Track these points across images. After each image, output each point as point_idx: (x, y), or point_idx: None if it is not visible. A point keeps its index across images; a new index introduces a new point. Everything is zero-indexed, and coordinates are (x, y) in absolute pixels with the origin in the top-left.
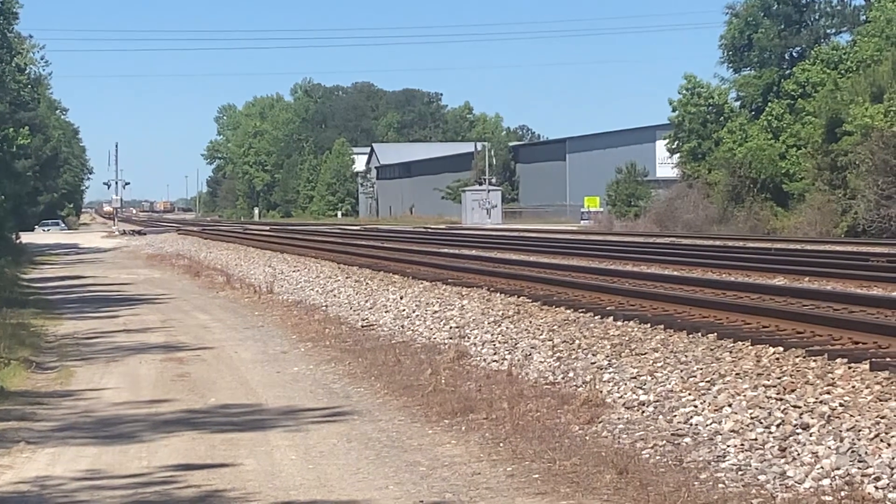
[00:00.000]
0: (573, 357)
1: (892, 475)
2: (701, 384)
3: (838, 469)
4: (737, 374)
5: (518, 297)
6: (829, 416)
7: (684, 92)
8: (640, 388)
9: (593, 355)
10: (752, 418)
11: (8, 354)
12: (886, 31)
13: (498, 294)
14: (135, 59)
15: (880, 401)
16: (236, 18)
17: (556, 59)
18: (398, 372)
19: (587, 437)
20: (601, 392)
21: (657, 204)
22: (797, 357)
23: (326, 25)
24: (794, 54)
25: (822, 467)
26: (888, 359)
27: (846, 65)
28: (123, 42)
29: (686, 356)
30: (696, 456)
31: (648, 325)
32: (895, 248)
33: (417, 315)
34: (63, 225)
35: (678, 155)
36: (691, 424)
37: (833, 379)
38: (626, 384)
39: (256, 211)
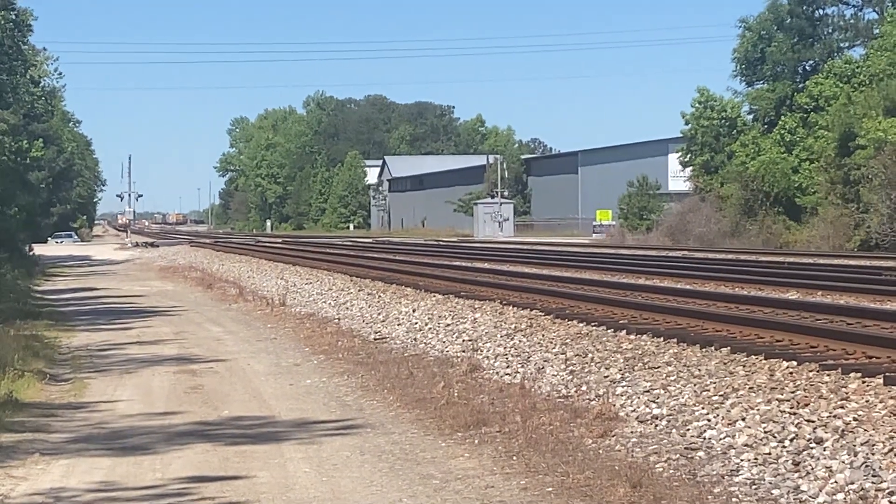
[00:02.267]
0: (586, 370)
1: None
2: (714, 398)
3: (852, 484)
4: (750, 388)
5: (531, 310)
6: (842, 431)
7: (697, 105)
8: (654, 401)
9: (606, 369)
10: (765, 432)
11: (22, 366)
12: None
13: (510, 307)
14: (148, 71)
15: (894, 415)
16: (249, 32)
17: (569, 72)
18: (411, 385)
19: (600, 451)
20: (614, 405)
21: (669, 217)
22: (811, 371)
23: (339, 38)
24: (808, 68)
25: (836, 482)
26: None
27: (859, 78)
28: (136, 55)
29: (699, 370)
30: (710, 470)
31: (661, 338)
32: None
33: (430, 328)
34: (76, 237)
35: (691, 168)
36: (705, 438)
37: (847, 393)
38: (639, 398)
39: (269, 223)
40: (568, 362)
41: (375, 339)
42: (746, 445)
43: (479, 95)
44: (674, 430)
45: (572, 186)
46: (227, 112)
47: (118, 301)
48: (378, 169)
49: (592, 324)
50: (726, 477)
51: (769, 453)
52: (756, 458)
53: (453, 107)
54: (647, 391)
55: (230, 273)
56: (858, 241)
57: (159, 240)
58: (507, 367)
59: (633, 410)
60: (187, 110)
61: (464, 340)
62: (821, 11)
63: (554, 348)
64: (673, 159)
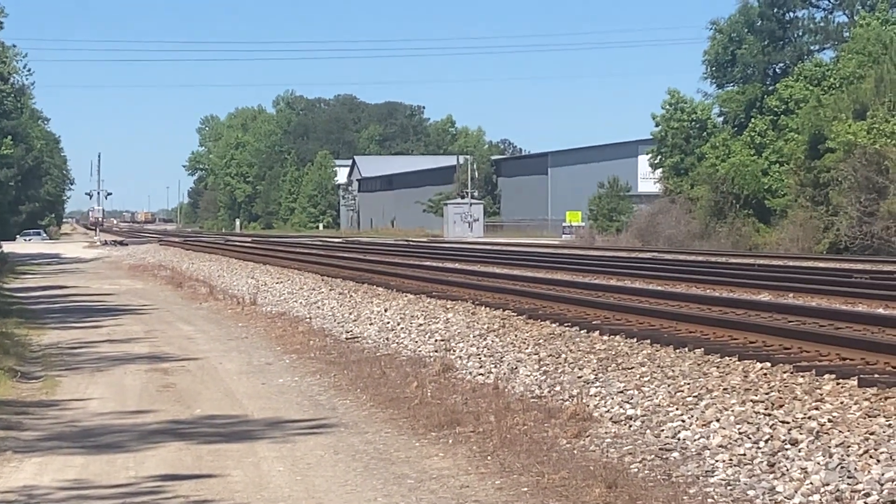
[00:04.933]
0: (559, 371)
1: (882, 491)
2: (688, 399)
3: (828, 485)
4: (724, 389)
5: (503, 310)
6: (817, 432)
7: (667, 107)
8: (628, 402)
9: (580, 369)
10: (740, 433)
11: None
12: (869, 48)
13: (483, 307)
14: (117, 69)
15: (869, 417)
16: (219, 30)
17: (539, 73)
18: (384, 384)
19: (575, 451)
20: (588, 406)
21: (639, 219)
22: (785, 373)
23: (309, 38)
24: (778, 70)
25: (811, 483)
26: (876, 375)
27: (829, 81)
28: (106, 52)
29: (673, 371)
30: (685, 470)
31: (635, 339)
32: (877, 265)
33: (402, 328)
34: (44, 235)
35: (661, 170)
36: (679, 439)
37: (821, 395)
38: (613, 398)
39: (238, 222)
40: (541, 363)
41: (347, 339)
42: (721, 446)
43: (450, 96)
44: (648, 431)
45: (542, 187)
46: (197, 110)
47: (88, 299)
48: (348, 169)
49: (565, 324)
50: (701, 478)
51: (744, 454)
52: (731, 459)
53: (423, 107)
54: (621, 392)
55: (200, 272)
56: (827, 243)
57: (128, 238)
58: (481, 367)
59: (608, 411)
60: (157, 108)
61: (436, 340)
62: (791, 14)
63: (527, 349)
64: (643, 161)
